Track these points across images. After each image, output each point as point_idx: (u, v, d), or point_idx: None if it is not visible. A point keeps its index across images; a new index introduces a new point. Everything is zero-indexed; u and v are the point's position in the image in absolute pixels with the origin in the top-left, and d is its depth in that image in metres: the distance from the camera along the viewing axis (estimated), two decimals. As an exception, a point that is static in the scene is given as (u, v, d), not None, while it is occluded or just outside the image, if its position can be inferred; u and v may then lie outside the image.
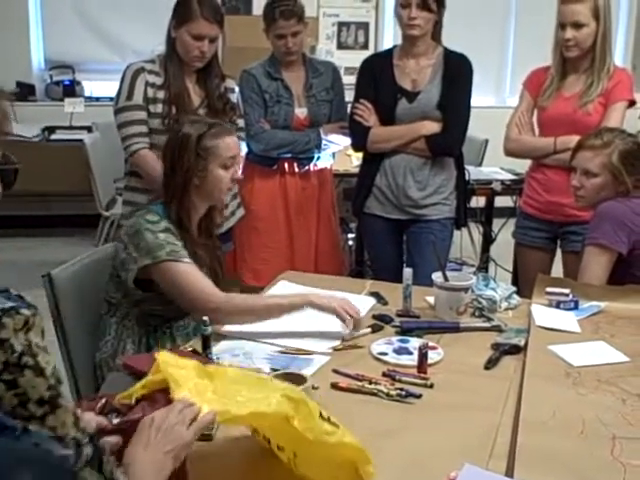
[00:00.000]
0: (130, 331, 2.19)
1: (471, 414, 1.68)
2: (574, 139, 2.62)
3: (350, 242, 4.26)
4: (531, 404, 1.70)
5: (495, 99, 6.61)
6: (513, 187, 3.72)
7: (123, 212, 2.89)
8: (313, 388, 1.75)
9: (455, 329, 2.16)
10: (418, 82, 2.90)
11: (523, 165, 3.22)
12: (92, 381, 2.21)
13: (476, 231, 4.26)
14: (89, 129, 5.24)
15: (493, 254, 4.10)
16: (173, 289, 2.08)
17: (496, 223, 4.04)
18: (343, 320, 2.06)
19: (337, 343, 2.05)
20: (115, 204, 4.72)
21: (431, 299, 2.31)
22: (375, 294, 2.45)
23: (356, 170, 3.93)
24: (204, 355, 1.90)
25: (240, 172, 2.33)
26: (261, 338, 2.07)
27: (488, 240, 3.99)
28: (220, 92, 2.82)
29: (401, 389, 1.77)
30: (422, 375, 1.86)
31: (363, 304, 2.35)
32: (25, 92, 5.59)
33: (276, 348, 2.02)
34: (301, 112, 3.15)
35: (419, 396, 1.75)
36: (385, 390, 1.77)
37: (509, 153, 2.97)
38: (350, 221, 4.20)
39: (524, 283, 2.95)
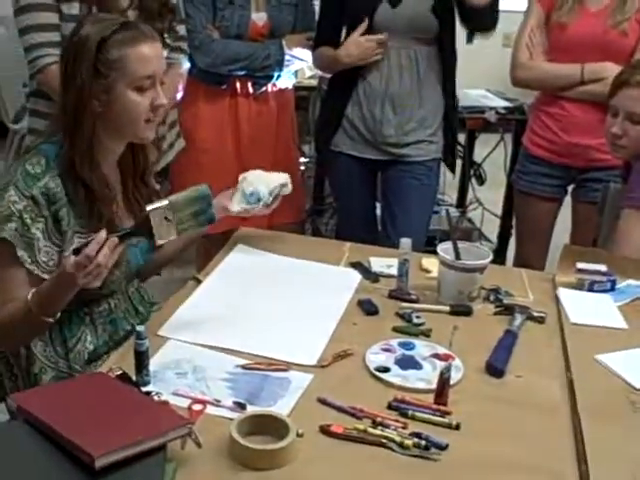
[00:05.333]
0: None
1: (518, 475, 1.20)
2: (607, 67, 2.10)
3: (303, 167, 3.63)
4: (599, 461, 1.22)
5: None
6: (508, 117, 3.15)
7: (27, 143, 2.23)
8: (298, 435, 1.24)
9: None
10: None
11: (514, 89, 2.66)
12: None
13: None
14: (-7, 21, 4.40)
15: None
16: None
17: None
18: None
19: (321, 352, 1.52)
20: (26, 115, 3.97)
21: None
22: (358, 265, 1.92)
23: (310, 83, 3.35)
24: (138, 379, 1.35)
25: (179, 93, 1.67)
26: (217, 343, 1.52)
27: (477, 180, 3.44)
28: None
29: (419, 435, 1.27)
30: (442, 408, 1.36)
31: (346, 281, 1.83)
32: None
33: (238, 359, 1.48)
34: (259, 18, 2.47)
35: (445, 447, 1.26)
36: (398, 438, 1.26)
37: (519, 82, 2.41)
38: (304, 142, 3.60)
39: (526, 237, 2.48)
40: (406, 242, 1.78)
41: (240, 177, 1.88)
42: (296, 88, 2.91)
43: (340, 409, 1.34)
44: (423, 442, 1.25)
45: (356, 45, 2.30)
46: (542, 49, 2.38)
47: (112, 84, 1.53)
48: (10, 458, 1.11)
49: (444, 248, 1.76)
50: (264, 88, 2.58)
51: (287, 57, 2.52)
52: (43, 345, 1.60)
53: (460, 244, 1.78)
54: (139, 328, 1.36)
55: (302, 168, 3.46)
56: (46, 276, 1.51)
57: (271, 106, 2.62)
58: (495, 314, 1.73)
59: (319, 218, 3.43)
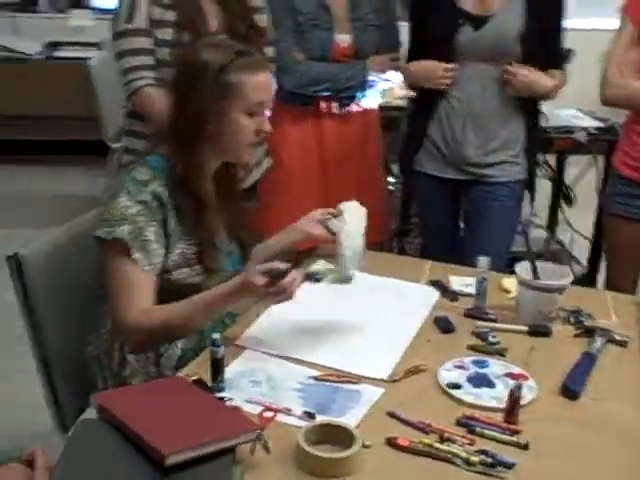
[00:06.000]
0: None
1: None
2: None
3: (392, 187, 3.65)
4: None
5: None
6: (600, 138, 3.06)
7: (123, 162, 2.35)
8: (364, 446, 1.26)
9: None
10: (488, 1, 2.28)
11: (606, 109, 2.59)
12: (75, 381, 1.72)
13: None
14: (97, 46, 4.64)
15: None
16: (106, 277, 1.60)
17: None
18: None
19: (393, 367, 1.53)
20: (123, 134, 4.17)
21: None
22: (437, 283, 1.92)
23: (399, 103, 3.36)
24: (213, 385, 1.40)
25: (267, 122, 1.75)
26: (292, 354, 1.56)
27: (566, 201, 3.36)
28: (244, 12, 2.23)
29: (485, 452, 1.26)
30: (511, 427, 1.35)
31: (424, 298, 1.83)
32: (26, 1, 4.96)
33: (311, 371, 1.51)
34: (343, 40, 2.52)
35: (512, 466, 1.25)
36: (464, 454, 1.26)
37: (607, 101, 2.35)
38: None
39: (617, 261, 2.41)
40: (484, 261, 1.78)
41: (339, 206, 1.86)
42: (386, 108, 2.94)
43: (408, 423, 1.35)
44: (489, 460, 1.24)
45: (425, 67, 2.33)
46: (634, 67, 2.32)
47: (227, 108, 1.61)
48: (89, 454, 1.18)
49: (523, 267, 1.74)
50: (348, 108, 2.62)
51: (372, 77, 2.56)
52: None
53: (541, 264, 1.76)
54: (215, 336, 1.41)
55: (391, 188, 3.49)
56: (155, 279, 1.60)
57: (356, 126, 2.65)
58: (575, 336, 1.70)
59: (405, 237, 3.43)
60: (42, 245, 1.69)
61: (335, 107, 2.61)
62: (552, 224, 3.64)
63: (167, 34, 2.13)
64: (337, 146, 2.64)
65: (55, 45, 4.83)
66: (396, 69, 2.53)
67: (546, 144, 2.90)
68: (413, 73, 2.41)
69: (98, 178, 4.08)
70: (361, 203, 1.90)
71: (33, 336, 1.67)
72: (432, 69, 2.32)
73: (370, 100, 2.69)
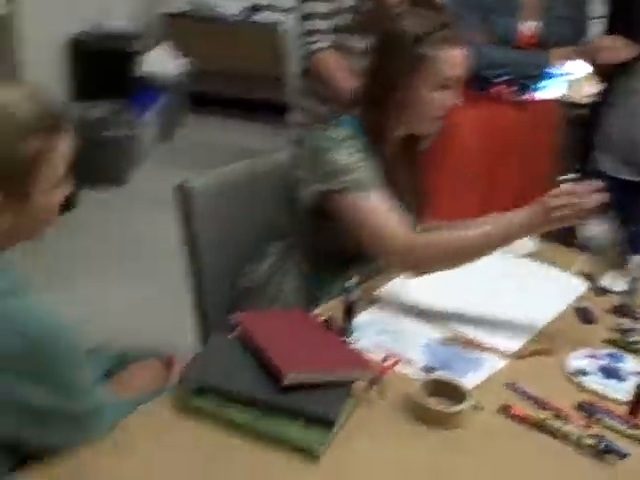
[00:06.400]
0: (294, 265, 1.78)
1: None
2: None
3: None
4: None
5: None
6: None
7: (299, 120, 2.47)
8: (475, 408, 1.28)
9: None
10: None
11: None
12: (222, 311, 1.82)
13: None
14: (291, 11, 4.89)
15: None
16: (354, 224, 1.63)
17: None
18: None
19: (522, 344, 1.52)
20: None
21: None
22: (587, 275, 1.87)
23: (584, 99, 3.23)
24: (345, 326, 1.47)
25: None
26: (425, 313, 1.60)
27: None
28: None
29: (600, 437, 1.24)
30: (635, 422, 1.31)
31: (570, 287, 1.80)
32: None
33: (438, 333, 1.54)
34: (528, 27, 2.48)
35: (624, 456, 1.22)
36: (576, 434, 1.25)
37: None
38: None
39: None
40: (637, 259, 1.72)
41: None
42: (572, 104, 2.85)
43: (526, 395, 1.35)
44: (603, 445, 1.22)
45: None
46: None
47: (418, 80, 1.62)
48: (217, 360, 1.30)
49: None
50: (525, 97, 2.58)
51: (553, 71, 2.50)
52: (294, 287, 1.77)
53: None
54: (350, 282, 1.47)
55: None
56: None
57: (531, 116, 2.60)
58: None
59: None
60: (210, 179, 1.84)
61: (511, 94, 2.58)
62: None
63: (350, 1, 2.22)
64: (508, 134, 2.60)
65: (255, 9, 5.15)
66: (582, 55, 2.44)
67: None
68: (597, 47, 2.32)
69: (278, 136, 4.26)
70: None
71: (190, 260, 1.81)
72: (617, 46, 2.25)
73: (550, 92, 2.63)
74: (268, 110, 4.87)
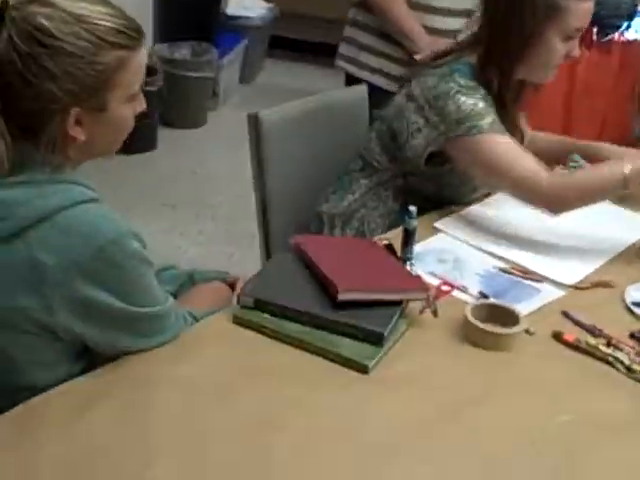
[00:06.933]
0: (382, 202, 1.81)
1: None
2: None
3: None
4: None
5: None
6: None
7: (341, 51, 2.41)
8: (526, 332, 1.30)
9: None
10: None
11: None
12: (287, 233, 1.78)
13: None
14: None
15: None
16: (489, 167, 1.65)
17: None
18: None
19: (582, 277, 1.53)
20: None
21: None
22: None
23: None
24: (402, 254, 1.51)
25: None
26: (484, 246, 1.61)
27: None
28: None
29: (651, 365, 1.25)
30: (689, 352, 1.31)
31: (633, 227, 1.77)
32: None
33: (497, 262, 1.56)
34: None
35: (675, 383, 1.22)
36: (627, 361, 1.26)
37: None
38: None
39: None
40: None
41: None
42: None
43: (579, 324, 1.36)
44: (654, 371, 1.23)
45: None
46: None
47: (547, 29, 1.61)
48: (277, 276, 1.37)
49: None
50: (610, 37, 2.51)
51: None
52: (379, 224, 1.80)
53: None
54: (411, 208, 1.50)
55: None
56: None
57: (613, 58, 2.54)
58: None
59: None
60: (280, 111, 1.88)
61: (595, 34, 2.52)
62: None
63: None
64: (589, 75, 2.56)
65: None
66: None
67: None
68: None
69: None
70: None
71: (257, 185, 1.86)
72: None
73: (636, 33, 2.55)
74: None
